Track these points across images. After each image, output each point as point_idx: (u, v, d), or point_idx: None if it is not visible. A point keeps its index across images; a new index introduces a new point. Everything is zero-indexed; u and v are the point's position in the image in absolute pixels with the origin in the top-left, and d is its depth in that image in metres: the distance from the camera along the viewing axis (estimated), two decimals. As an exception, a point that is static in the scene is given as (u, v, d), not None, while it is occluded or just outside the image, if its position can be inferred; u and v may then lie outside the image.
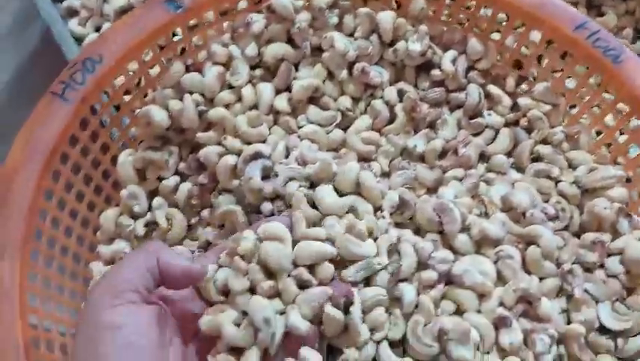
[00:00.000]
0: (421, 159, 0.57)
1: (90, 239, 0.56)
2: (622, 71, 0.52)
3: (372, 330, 0.46)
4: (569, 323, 0.48)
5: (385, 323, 0.46)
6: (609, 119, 0.57)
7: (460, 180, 0.54)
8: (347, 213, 0.49)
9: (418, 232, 0.51)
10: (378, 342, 0.46)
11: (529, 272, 0.49)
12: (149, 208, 0.58)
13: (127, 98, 0.59)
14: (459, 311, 0.47)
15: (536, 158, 0.57)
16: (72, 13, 0.77)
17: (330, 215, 0.48)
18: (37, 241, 0.48)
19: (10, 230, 0.45)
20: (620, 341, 0.47)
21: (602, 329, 0.47)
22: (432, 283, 0.47)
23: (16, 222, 0.45)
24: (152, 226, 0.58)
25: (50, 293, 0.49)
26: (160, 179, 0.58)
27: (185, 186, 0.57)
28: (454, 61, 0.60)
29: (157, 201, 0.57)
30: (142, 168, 0.58)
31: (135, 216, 0.58)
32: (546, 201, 0.53)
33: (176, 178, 0.58)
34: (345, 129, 0.58)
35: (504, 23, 0.60)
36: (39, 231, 0.48)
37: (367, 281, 0.47)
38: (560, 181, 0.54)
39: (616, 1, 0.75)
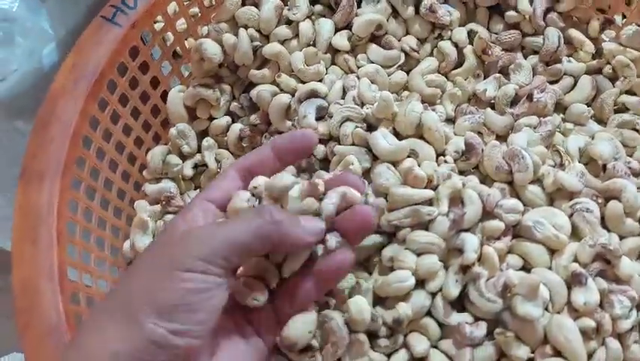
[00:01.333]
0: (491, 105, 0.52)
1: (136, 177, 0.54)
2: None
3: (423, 281, 0.42)
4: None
5: (439, 273, 0.42)
6: None
7: (534, 128, 0.49)
8: (408, 157, 0.45)
9: (485, 181, 0.47)
10: (433, 294, 0.42)
11: (608, 230, 0.43)
12: (199, 149, 0.56)
13: (182, 29, 0.56)
14: (526, 268, 0.43)
15: (620, 110, 0.51)
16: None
17: (385, 161, 0.45)
18: (79, 169, 0.46)
19: (51, 153, 0.43)
20: None
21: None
22: (498, 234, 0.42)
23: (59, 145, 0.43)
24: (200, 167, 0.56)
25: (90, 226, 0.47)
26: (211, 119, 0.56)
27: (237, 127, 0.54)
28: (531, 1, 0.54)
29: (207, 141, 0.55)
30: (193, 106, 0.56)
31: (184, 156, 0.56)
32: (630, 155, 0.48)
33: (228, 119, 0.55)
34: (408, 72, 0.54)
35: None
36: (81, 158, 0.46)
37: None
38: (648, 134, 0.48)
39: None
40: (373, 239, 0.44)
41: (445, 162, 0.46)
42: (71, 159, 0.44)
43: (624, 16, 0.54)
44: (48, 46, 0.56)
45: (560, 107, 0.52)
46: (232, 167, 0.38)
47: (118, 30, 0.48)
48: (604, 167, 0.46)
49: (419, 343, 0.41)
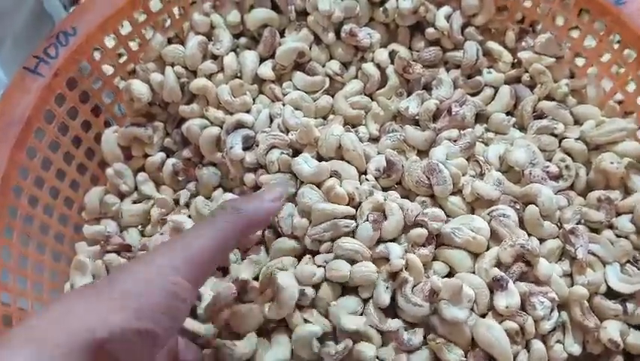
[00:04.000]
0: (416, 121, 0.53)
1: (76, 220, 0.55)
2: (625, 13, 0.48)
3: (358, 287, 0.43)
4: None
5: (371, 280, 0.43)
6: (617, 68, 0.52)
7: (455, 141, 0.50)
8: (330, 177, 0.46)
9: (408, 196, 0.48)
10: (365, 300, 0.43)
11: (528, 234, 0.45)
12: (136, 186, 0.56)
13: (109, 73, 0.57)
14: (452, 274, 0.44)
15: (540, 115, 0.52)
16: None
17: (308, 183, 0.46)
18: (12, 218, 0.47)
19: (-23, 205, 0.43)
20: (630, 305, 0.42)
21: (610, 293, 0.43)
22: (422, 241, 0.43)
23: (-15, 196, 0.44)
24: (139, 202, 0.57)
25: (27, 272, 0.47)
26: (146, 156, 0.57)
27: (171, 162, 0.55)
28: (448, 17, 0.56)
29: (141, 176, 0.55)
30: (127, 145, 0.57)
31: (122, 195, 0.56)
32: (550, 160, 0.49)
33: (162, 155, 0.56)
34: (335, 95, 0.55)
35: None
36: (13, 208, 0.47)
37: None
38: (565, 138, 0.50)
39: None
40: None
41: (367, 180, 0.47)
42: (1, 209, 0.45)
43: (533, 26, 0.56)
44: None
45: (483, 118, 0.54)
46: None
47: (41, 80, 0.49)
48: (522, 173, 0.47)
49: (368, 349, 0.42)
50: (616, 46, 0.51)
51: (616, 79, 0.51)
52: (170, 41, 0.57)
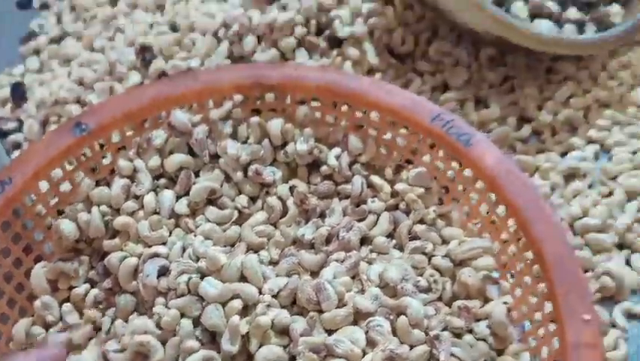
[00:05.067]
0: (311, 245, 0.61)
1: (4, 351, 0.59)
2: (473, 153, 0.59)
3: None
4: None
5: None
6: (474, 195, 0.62)
7: (342, 261, 0.58)
8: (232, 298, 0.54)
9: (302, 313, 0.55)
10: None
11: (400, 342, 0.52)
12: (61, 317, 0.62)
13: (42, 213, 0.64)
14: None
15: (414, 237, 0.61)
16: (17, 146, 0.85)
17: (213, 303, 0.53)
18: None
19: None
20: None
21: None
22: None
23: None
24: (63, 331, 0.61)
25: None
26: (71, 288, 0.63)
27: (93, 292, 0.61)
28: (338, 157, 0.66)
29: (66, 306, 0.61)
30: (55, 278, 0.63)
31: (48, 325, 0.61)
32: (422, 275, 0.58)
33: (87, 286, 0.62)
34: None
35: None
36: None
37: None
38: (434, 256, 0.59)
39: (501, 95, 0.83)
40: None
41: (264, 301, 0.54)
42: None
43: (410, 162, 0.67)
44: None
45: (368, 240, 0.63)
46: None
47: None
48: (396, 288, 0.55)
49: None
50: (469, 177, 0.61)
51: (473, 205, 0.62)
52: (97, 183, 0.65)
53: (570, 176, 0.74)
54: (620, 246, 0.69)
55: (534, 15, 0.78)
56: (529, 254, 0.55)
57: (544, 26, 0.77)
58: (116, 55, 0.79)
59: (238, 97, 0.67)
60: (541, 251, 0.53)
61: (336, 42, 0.81)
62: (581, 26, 0.79)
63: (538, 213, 0.55)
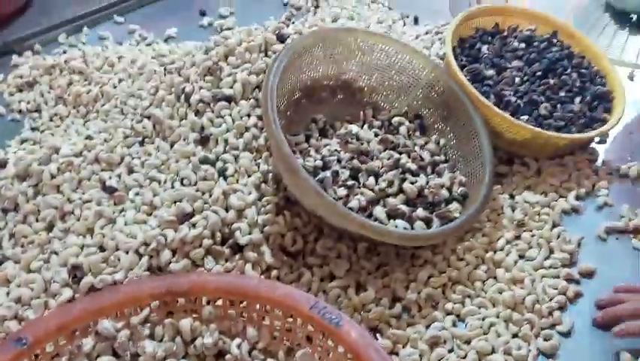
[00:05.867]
0: None
1: None
2: (342, 332, 0.75)
3: None
4: None
5: None
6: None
7: None
8: None
9: None
10: None
11: None
12: None
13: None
14: None
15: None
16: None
17: None
18: None
19: None
20: None
21: None
22: None
23: None
24: None
25: None
26: None
27: None
28: (239, 346, 0.81)
29: None
30: None
31: None
32: None
33: None
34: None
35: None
36: None
37: None
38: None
39: (376, 279, 1.01)
40: None
41: None
42: None
43: (299, 344, 0.82)
44: None
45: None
46: None
47: None
48: None
49: None
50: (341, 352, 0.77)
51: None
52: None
53: (434, 343, 0.90)
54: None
55: (390, 216, 0.99)
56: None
57: (399, 224, 0.98)
58: (50, 274, 0.93)
59: (155, 303, 0.82)
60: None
61: (238, 248, 0.98)
62: (428, 222, 1.01)
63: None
